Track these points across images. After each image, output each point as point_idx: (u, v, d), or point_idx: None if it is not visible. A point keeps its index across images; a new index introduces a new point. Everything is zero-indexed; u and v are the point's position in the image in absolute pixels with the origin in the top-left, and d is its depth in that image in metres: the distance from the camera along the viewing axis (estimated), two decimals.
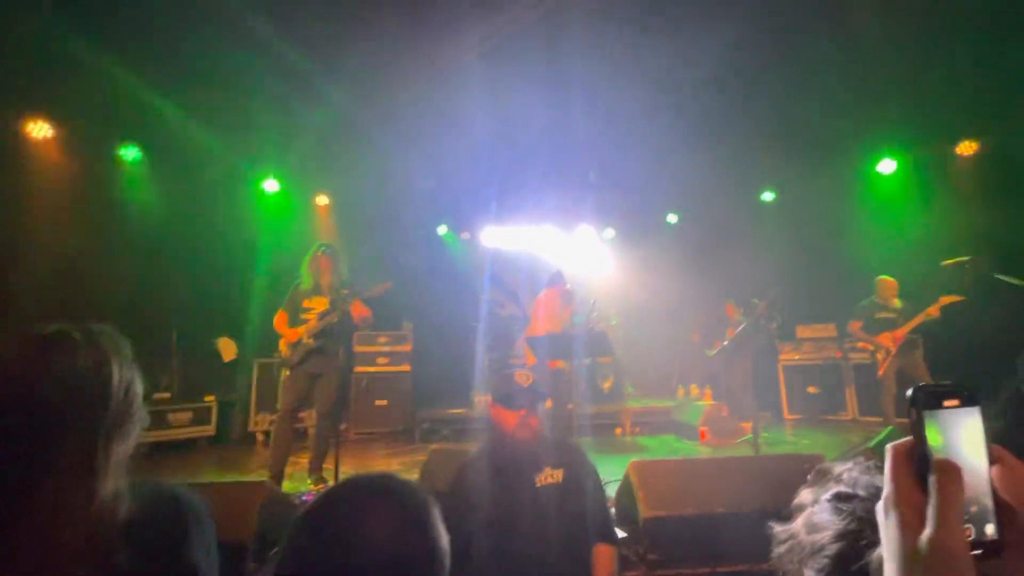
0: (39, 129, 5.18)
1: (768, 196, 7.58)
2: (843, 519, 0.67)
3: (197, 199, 6.01)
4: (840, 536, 0.66)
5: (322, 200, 7.28)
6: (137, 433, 0.88)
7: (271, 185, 6.63)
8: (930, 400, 0.48)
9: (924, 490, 0.44)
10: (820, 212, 6.92)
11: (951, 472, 0.44)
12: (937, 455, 0.45)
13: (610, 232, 8.63)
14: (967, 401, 0.47)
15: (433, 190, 7.12)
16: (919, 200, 6.28)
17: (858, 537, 0.64)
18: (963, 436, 0.47)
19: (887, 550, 0.44)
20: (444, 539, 0.71)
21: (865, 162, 6.70)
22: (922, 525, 0.43)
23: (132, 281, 5.26)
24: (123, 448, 0.83)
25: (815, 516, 0.71)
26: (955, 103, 5.45)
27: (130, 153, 5.70)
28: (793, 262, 6.53)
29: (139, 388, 0.89)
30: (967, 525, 0.44)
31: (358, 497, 0.71)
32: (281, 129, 5.84)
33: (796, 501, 0.77)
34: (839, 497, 0.70)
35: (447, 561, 0.71)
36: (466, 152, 6.28)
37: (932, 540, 0.42)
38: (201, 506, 0.87)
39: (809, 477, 0.77)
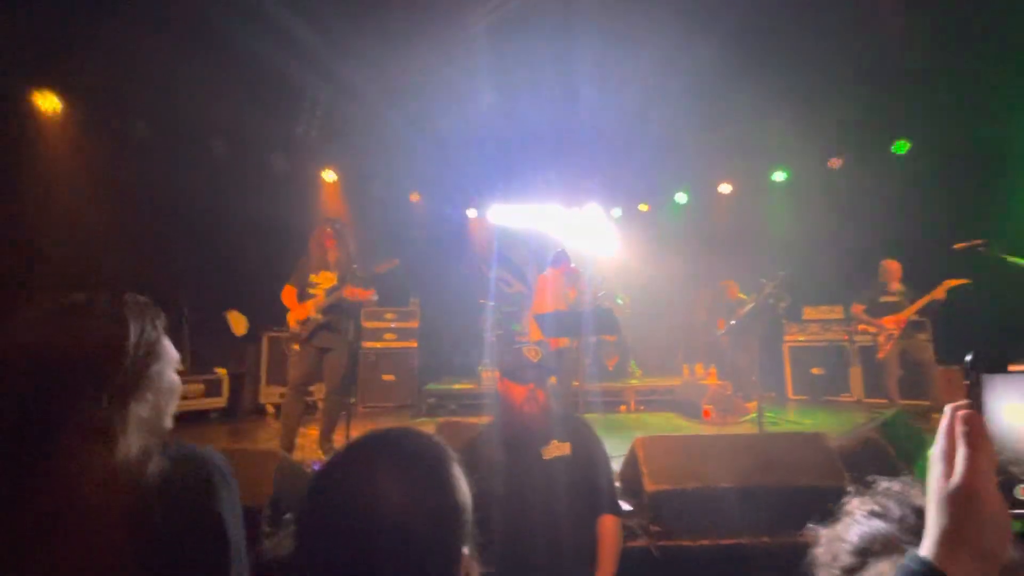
0: (47, 102, 5.20)
1: (779, 176, 7.46)
2: (863, 537, 0.70)
3: (204, 173, 6.01)
4: (855, 552, 0.70)
5: (329, 176, 7.25)
6: (163, 396, 0.91)
7: (279, 160, 6.61)
8: (994, 364, 0.49)
9: None
10: (831, 193, 6.83)
11: (974, 423, 0.48)
12: (1001, 422, 0.48)
13: (618, 211, 8.58)
14: None
15: (440, 167, 7.08)
16: (932, 183, 6.18)
17: (867, 554, 0.68)
18: None
19: (930, 498, 0.50)
20: (462, 494, 0.68)
21: (878, 143, 6.58)
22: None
23: (141, 254, 5.29)
24: (143, 409, 0.86)
25: (849, 528, 0.74)
26: (972, 87, 5.34)
27: (135, 127, 5.68)
28: (802, 243, 6.48)
29: (164, 352, 0.92)
30: (1022, 484, 0.47)
31: (367, 459, 0.69)
32: (287, 104, 5.80)
33: (845, 507, 0.80)
34: (871, 514, 0.73)
35: (466, 517, 0.68)
36: (473, 129, 6.22)
37: (957, 484, 0.47)
38: (227, 466, 0.89)
39: (850, 489, 0.80)
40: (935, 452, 0.51)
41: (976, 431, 0.48)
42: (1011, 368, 0.48)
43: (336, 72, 5.17)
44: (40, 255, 4.73)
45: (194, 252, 5.75)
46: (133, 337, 0.86)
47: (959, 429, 0.48)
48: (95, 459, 0.78)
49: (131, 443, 0.81)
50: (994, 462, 0.47)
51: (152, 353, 0.89)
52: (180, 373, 0.98)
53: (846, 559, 0.70)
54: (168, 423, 0.96)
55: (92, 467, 0.77)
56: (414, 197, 7.89)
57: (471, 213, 8.58)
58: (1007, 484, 0.47)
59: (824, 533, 0.78)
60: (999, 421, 0.48)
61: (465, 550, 0.68)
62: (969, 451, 0.47)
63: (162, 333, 0.93)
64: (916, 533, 0.68)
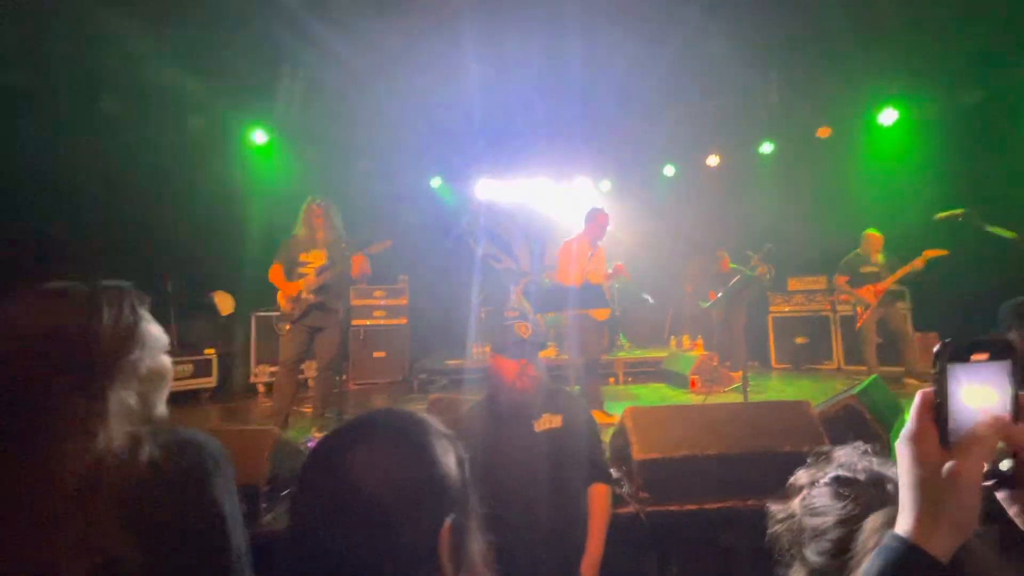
0: None
1: (766, 148, 7.46)
2: (845, 505, 0.70)
3: (184, 150, 5.86)
4: (843, 522, 0.69)
5: (313, 151, 7.09)
6: (149, 383, 0.89)
7: (260, 136, 6.45)
8: (957, 354, 0.52)
9: (938, 432, 0.51)
10: (817, 165, 6.87)
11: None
12: (962, 405, 0.51)
13: (606, 184, 8.55)
14: (998, 355, 0.52)
15: (426, 141, 6.97)
16: (918, 152, 6.24)
17: (860, 523, 0.67)
18: (988, 386, 0.52)
19: (903, 479, 0.53)
20: (444, 466, 0.73)
21: (866, 113, 6.59)
22: (933, 458, 0.51)
23: (124, 235, 5.19)
24: (127, 397, 0.84)
25: (815, 499, 0.74)
26: (958, 51, 5.34)
27: (110, 102, 5.48)
28: (788, 214, 6.55)
29: (145, 337, 0.89)
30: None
31: (352, 439, 0.73)
32: (268, 77, 5.63)
33: (793, 482, 0.80)
34: (839, 481, 0.73)
35: (449, 488, 0.72)
36: (460, 102, 6.11)
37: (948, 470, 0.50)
38: (221, 449, 0.89)
39: (809, 460, 0.80)
40: (906, 434, 0.53)
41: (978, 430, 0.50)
42: (975, 358, 0.52)
43: (317, 41, 5.00)
44: (14, 239, 4.61)
45: (176, 231, 5.64)
46: (107, 324, 0.84)
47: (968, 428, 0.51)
48: (75, 452, 0.76)
49: (114, 433, 0.79)
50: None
51: (130, 339, 0.86)
52: (168, 353, 0.97)
53: (836, 532, 0.69)
54: (161, 408, 0.94)
55: (72, 461, 0.75)
56: (400, 172, 7.78)
57: (460, 188, 8.50)
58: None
59: (785, 509, 0.77)
60: (959, 404, 0.52)
61: (448, 521, 0.71)
62: (964, 441, 0.50)
63: (143, 318, 0.90)
64: (877, 486, 0.69)
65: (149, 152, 5.54)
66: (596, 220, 4.47)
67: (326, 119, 6.60)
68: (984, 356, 0.52)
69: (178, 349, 5.44)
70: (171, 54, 4.92)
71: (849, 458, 0.76)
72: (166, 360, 0.96)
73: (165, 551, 0.77)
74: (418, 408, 3.86)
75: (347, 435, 0.74)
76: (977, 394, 0.52)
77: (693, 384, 5.37)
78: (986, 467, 0.51)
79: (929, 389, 0.53)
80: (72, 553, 0.72)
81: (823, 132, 6.86)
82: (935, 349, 0.53)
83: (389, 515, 0.67)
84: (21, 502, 0.73)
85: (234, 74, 5.33)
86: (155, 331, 0.93)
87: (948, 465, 0.50)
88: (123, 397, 0.83)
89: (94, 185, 5.14)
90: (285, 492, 2.42)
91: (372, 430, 0.74)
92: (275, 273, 3.93)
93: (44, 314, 0.82)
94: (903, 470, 0.53)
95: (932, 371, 0.53)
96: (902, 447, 0.53)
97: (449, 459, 0.74)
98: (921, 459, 0.51)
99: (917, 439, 0.52)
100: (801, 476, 0.80)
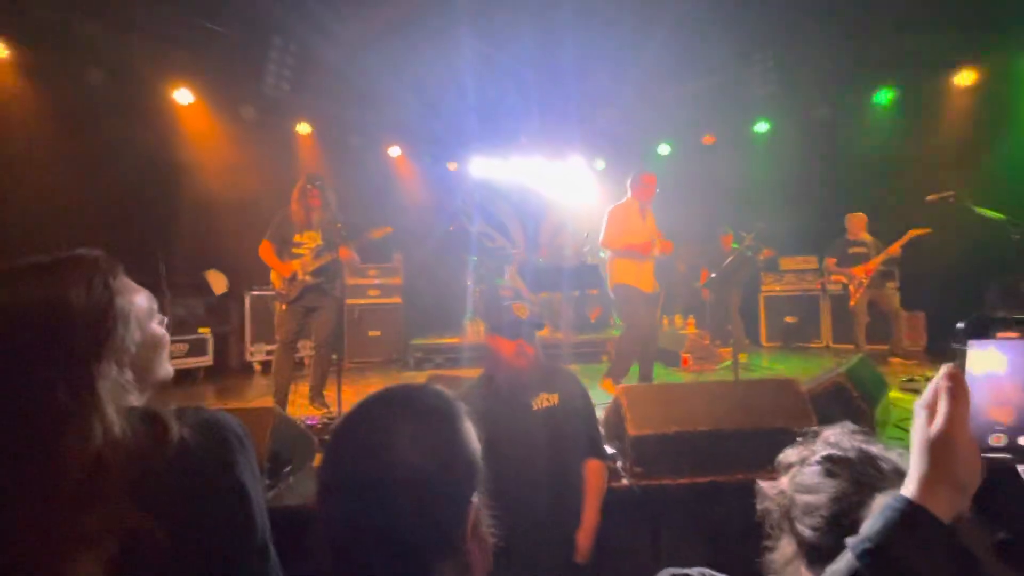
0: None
1: (761, 127, 7.44)
2: (838, 482, 0.72)
3: (171, 128, 5.75)
4: (836, 499, 0.71)
5: (304, 128, 6.98)
6: (141, 355, 0.86)
7: (247, 112, 6.33)
8: (980, 331, 0.56)
9: None
10: (811, 145, 6.87)
11: (956, 379, 0.55)
12: (980, 377, 0.55)
13: (600, 163, 8.50)
14: (1019, 332, 0.55)
15: (420, 119, 6.88)
16: (913, 132, 6.25)
17: (853, 499, 0.70)
18: (1007, 362, 0.55)
19: (912, 442, 0.56)
20: (473, 447, 0.73)
21: (861, 93, 6.56)
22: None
23: (115, 214, 5.12)
24: (117, 374, 0.80)
25: (804, 477, 0.76)
26: (953, 31, 5.32)
27: (93, 76, 5.34)
28: (781, 194, 6.57)
29: (125, 310, 0.84)
30: (998, 433, 0.55)
31: (385, 412, 0.72)
32: (255, 51, 5.51)
33: (781, 459, 0.81)
34: (830, 460, 0.75)
35: (476, 467, 0.73)
36: (454, 80, 6.02)
37: (937, 432, 0.54)
38: (243, 429, 0.89)
39: (799, 440, 0.81)
40: (919, 402, 0.57)
41: (957, 385, 0.54)
42: (1001, 335, 0.56)
43: (308, 15, 4.89)
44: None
45: (169, 211, 5.58)
46: (77, 302, 0.78)
47: (942, 384, 0.55)
48: (72, 443, 0.72)
49: (112, 417, 0.75)
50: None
51: (107, 316, 0.81)
52: (158, 320, 0.91)
53: (829, 508, 0.71)
54: (160, 375, 0.93)
55: (71, 452, 0.71)
56: (393, 150, 7.70)
57: (452, 166, 8.43)
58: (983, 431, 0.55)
59: (775, 486, 0.79)
60: (980, 378, 0.55)
61: (475, 498, 0.72)
62: (950, 403, 0.54)
63: (119, 289, 0.84)
64: (869, 462, 0.72)
65: (139, 131, 5.42)
66: (641, 181, 4.33)
67: (318, 95, 6.48)
68: (1007, 334, 0.55)
69: (173, 329, 5.43)
70: (158, 29, 4.79)
71: (838, 438, 0.78)
72: (156, 328, 0.92)
73: (190, 531, 0.76)
74: None
75: (381, 408, 0.73)
76: (996, 368, 0.55)
77: (685, 362, 5.46)
78: (1005, 440, 0.54)
79: (953, 363, 0.56)
80: (91, 540, 0.71)
81: (819, 113, 6.83)
82: (960, 325, 0.57)
83: (423, 491, 0.67)
84: (26, 499, 0.70)
85: (221, 49, 5.21)
86: (139, 299, 0.88)
87: (933, 429, 0.53)
88: (115, 378, 0.79)
89: (80, 160, 5.05)
90: (287, 469, 2.47)
91: (406, 405, 0.74)
92: (266, 250, 3.90)
93: (7, 299, 0.77)
94: (914, 436, 0.56)
95: (956, 346, 0.57)
96: (919, 412, 0.57)
97: (475, 440, 0.74)
98: (931, 424, 0.54)
99: (929, 407, 0.56)
100: (790, 454, 0.82)
